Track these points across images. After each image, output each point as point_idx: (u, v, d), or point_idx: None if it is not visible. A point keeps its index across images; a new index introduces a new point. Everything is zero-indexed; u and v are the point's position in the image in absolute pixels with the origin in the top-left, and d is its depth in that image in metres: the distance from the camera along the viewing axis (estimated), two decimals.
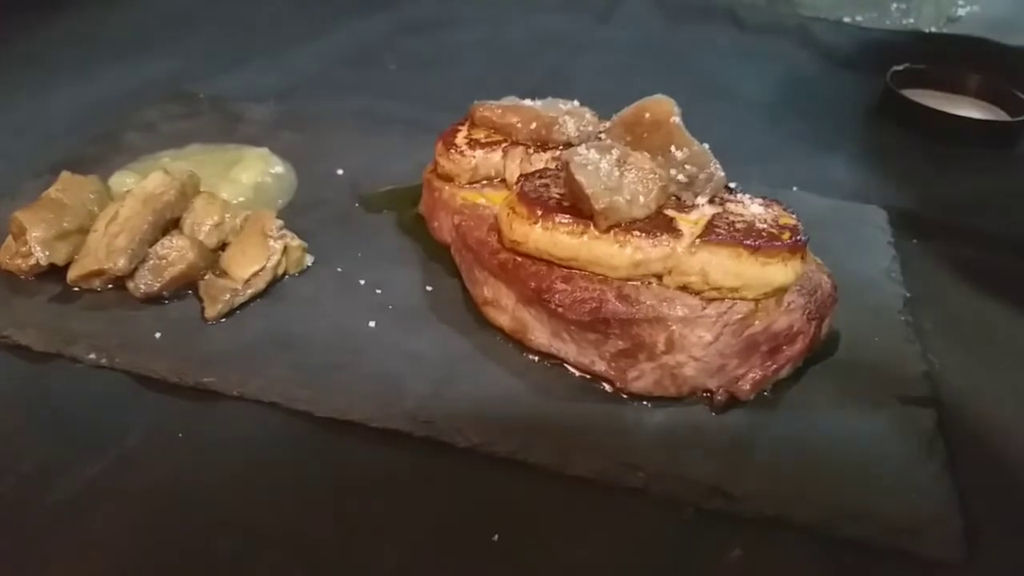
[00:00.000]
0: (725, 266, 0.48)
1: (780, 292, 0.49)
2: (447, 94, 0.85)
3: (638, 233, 0.49)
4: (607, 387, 0.51)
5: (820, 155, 0.84)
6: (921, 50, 1.07)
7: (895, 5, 1.23)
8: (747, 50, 1.10)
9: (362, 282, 0.59)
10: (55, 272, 0.56)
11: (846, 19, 1.20)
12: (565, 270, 0.51)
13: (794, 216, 0.52)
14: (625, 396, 0.50)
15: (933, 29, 1.20)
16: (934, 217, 0.69)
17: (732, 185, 0.55)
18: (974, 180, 0.80)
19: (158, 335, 0.52)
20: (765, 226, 0.50)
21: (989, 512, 0.45)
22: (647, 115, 0.55)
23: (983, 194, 0.78)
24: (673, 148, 0.53)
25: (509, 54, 1.05)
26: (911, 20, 1.22)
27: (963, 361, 0.56)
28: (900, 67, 0.96)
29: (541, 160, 0.59)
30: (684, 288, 0.49)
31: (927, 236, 0.69)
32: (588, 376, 0.51)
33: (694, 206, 0.52)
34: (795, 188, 0.74)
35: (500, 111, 0.62)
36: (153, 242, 0.56)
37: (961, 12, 1.22)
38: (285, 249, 0.58)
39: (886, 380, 0.53)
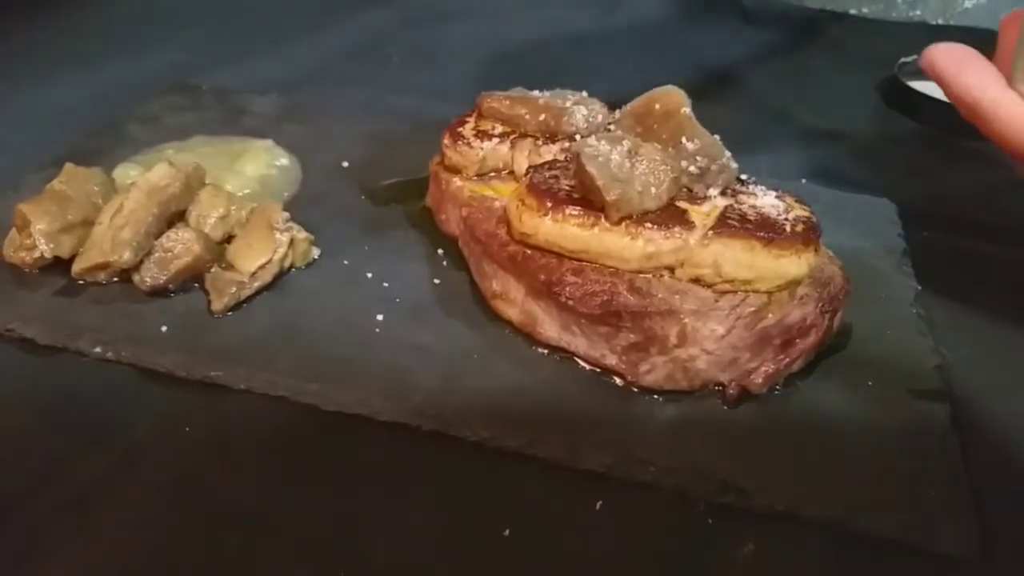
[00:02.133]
0: (738, 258, 0.48)
1: (793, 285, 0.49)
2: (452, 86, 0.85)
3: (650, 225, 0.49)
4: (618, 381, 0.50)
5: (828, 147, 0.83)
6: (928, 42, 1.06)
7: None
8: (754, 42, 1.10)
9: (369, 275, 0.58)
10: (60, 265, 0.55)
11: (852, 11, 1.20)
12: (575, 263, 0.50)
13: (807, 208, 0.52)
14: (636, 390, 0.50)
15: (940, 21, 1.19)
16: (944, 210, 0.69)
17: (744, 177, 0.55)
18: (984, 172, 0.79)
19: (164, 328, 0.52)
20: (778, 218, 0.50)
21: (1003, 507, 0.45)
22: (657, 106, 0.55)
23: (993, 186, 0.78)
24: (684, 139, 0.52)
25: (514, 46, 1.04)
26: (918, 12, 1.21)
27: (975, 355, 0.55)
28: (908, 59, 0.95)
29: (550, 152, 0.59)
30: (696, 281, 0.49)
31: (937, 229, 0.68)
32: (598, 370, 0.51)
33: (706, 198, 0.51)
34: (804, 180, 0.73)
35: (508, 102, 0.61)
36: (158, 235, 0.56)
37: (968, 4, 1.21)
38: (291, 242, 0.57)
39: (898, 374, 0.52)
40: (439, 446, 0.46)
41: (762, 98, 0.93)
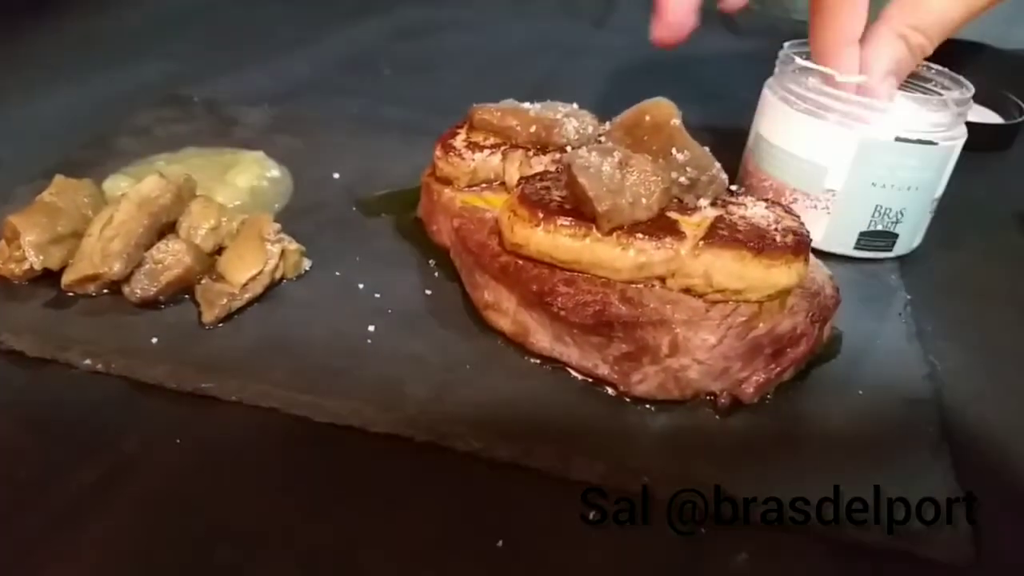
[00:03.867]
0: (728, 268, 0.48)
1: (784, 294, 0.49)
2: (442, 98, 0.85)
3: (641, 235, 0.49)
4: (610, 391, 0.50)
5: None
6: None
7: None
8: (741, 54, 1.10)
9: (361, 286, 0.58)
10: (49, 277, 0.55)
11: None
12: (567, 273, 0.50)
13: (797, 218, 0.52)
14: (628, 400, 0.50)
15: None
16: (932, 219, 0.69)
17: (734, 188, 0.55)
18: (971, 183, 0.80)
19: (154, 340, 0.52)
20: (768, 228, 0.50)
21: (995, 514, 0.45)
22: (647, 118, 0.55)
23: (980, 197, 0.78)
24: (674, 150, 0.53)
25: (504, 59, 1.05)
26: None
27: (965, 363, 0.56)
28: None
29: (541, 163, 0.59)
30: (687, 291, 0.49)
31: (925, 239, 0.69)
32: (591, 380, 0.51)
33: (696, 208, 0.52)
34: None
35: (499, 114, 0.62)
36: (149, 246, 0.55)
37: None
38: (283, 253, 0.57)
39: (889, 383, 0.53)
40: (432, 457, 0.46)
41: (751, 109, 0.94)
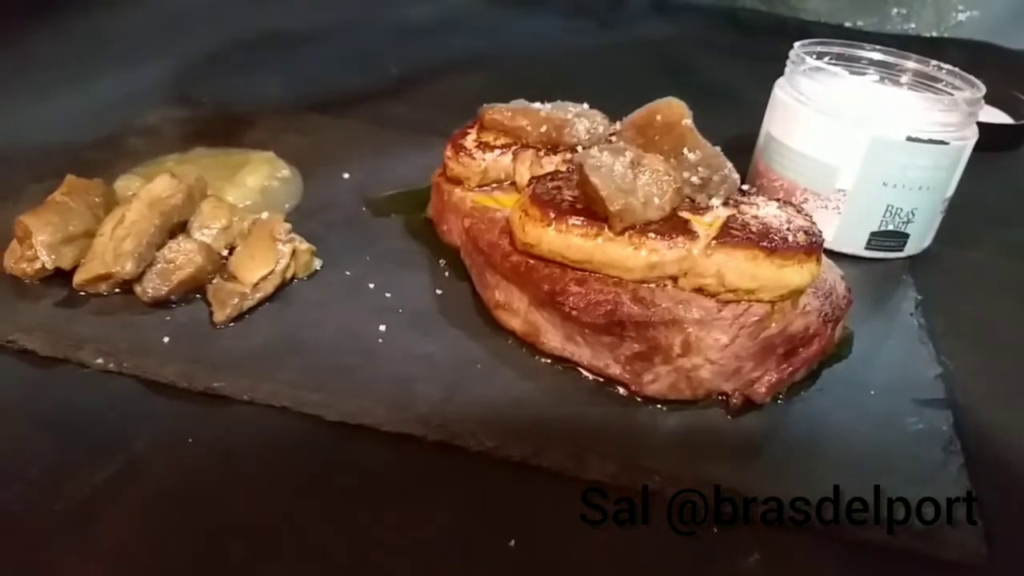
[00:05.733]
0: (741, 268, 0.48)
1: (796, 294, 0.49)
2: (452, 98, 0.85)
3: (653, 235, 0.49)
4: (621, 390, 0.50)
5: None
6: (922, 54, 1.07)
7: (896, 10, 1.24)
8: (749, 54, 1.10)
9: (371, 286, 0.58)
10: (61, 276, 0.55)
11: (847, 23, 1.21)
12: (579, 272, 0.50)
13: (809, 217, 0.52)
14: (640, 399, 0.50)
15: (934, 33, 1.20)
16: (943, 219, 0.69)
17: (745, 187, 0.55)
18: (980, 182, 0.80)
19: (166, 339, 0.52)
20: (780, 227, 0.50)
21: (1007, 514, 0.45)
22: (658, 117, 0.55)
23: (989, 196, 0.78)
24: (686, 150, 0.53)
25: (513, 58, 1.05)
26: (912, 25, 1.22)
27: (976, 363, 0.56)
28: None
29: (551, 163, 0.59)
30: (699, 290, 0.49)
31: (936, 239, 0.69)
32: (602, 379, 0.51)
33: (708, 208, 0.52)
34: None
35: (510, 114, 0.62)
36: (160, 246, 0.55)
37: (961, 17, 1.22)
38: (294, 253, 0.57)
39: (900, 383, 0.52)
40: (443, 456, 0.46)
41: (761, 109, 0.94)
